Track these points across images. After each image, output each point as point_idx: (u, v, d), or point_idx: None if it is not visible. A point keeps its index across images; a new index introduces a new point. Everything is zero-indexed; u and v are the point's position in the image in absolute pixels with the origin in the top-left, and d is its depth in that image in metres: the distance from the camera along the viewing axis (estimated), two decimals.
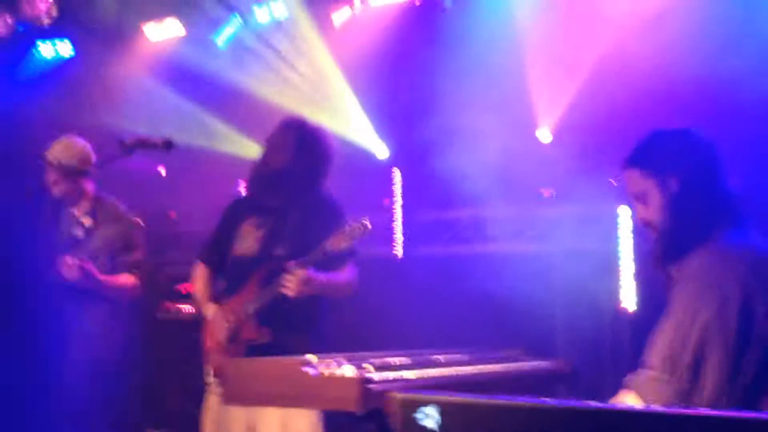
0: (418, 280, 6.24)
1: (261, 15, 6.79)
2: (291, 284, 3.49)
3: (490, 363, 3.11)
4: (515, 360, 3.31)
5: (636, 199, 2.52)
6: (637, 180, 2.50)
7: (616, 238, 5.53)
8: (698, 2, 5.12)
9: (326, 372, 2.44)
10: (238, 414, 3.48)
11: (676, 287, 2.32)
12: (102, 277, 4.34)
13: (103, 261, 4.42)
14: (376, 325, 6.07)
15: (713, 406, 2.13)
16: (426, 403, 1.60)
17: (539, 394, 2.34)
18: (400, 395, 1.63)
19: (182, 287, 6.85)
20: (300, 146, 3.79)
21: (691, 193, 2.39)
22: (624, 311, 5.52)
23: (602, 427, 1.53)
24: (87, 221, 4.54)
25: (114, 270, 4.45)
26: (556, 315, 5.83)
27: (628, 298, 5.49)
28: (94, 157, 4.54)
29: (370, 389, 2.36)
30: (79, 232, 4.53)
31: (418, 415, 1.59)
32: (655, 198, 2.45)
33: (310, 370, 2.46)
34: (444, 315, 5.96)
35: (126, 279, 4.51)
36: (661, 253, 2.45)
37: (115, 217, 4.57)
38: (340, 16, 6.49)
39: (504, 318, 5.74)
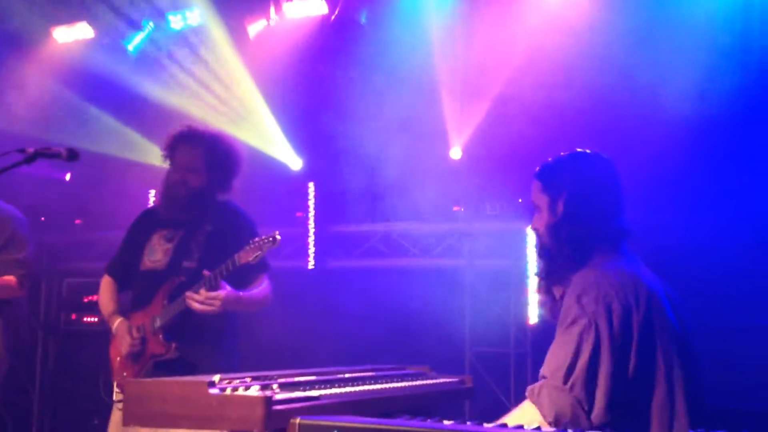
0: (331, 294, 6.26)
1: (175, 22, 6.69)
2: (199, 302, 3.45)
3: (395, 381, 3.14)
4: (421, 377, 3.35)
5: (533, 208, 2.62)
6: (537, 192, 2.60)
7: (525, 255, 5.68)
8: (604, 24, 5.31)
9: (230, 392, 2.42)
10: None
11: (563, 303, 2.42)
12: None
13: None
14: (289, 338, 6.05)
15: (606, 413, 2.23)
16: (325, 429, 1.62)
17: (445, 411, 2.40)
18: (299, 421, 1.64)
19: (88, 299, 6.67)
20: (209, 163, 3.75)
21: (573, 219, 2.49)
22: (529, 326, 5.67)
23: None
24: None
25: None
26: (465, 329, 5.94)
27: (534, 314, 5.65)
28: None
29: (274, 410, 2.35)
30: None
31: None
32: (545, 214, 2.55)
33: (214, 391, 2.44)
34: (356, 328, 5.99)
35: (6, 279, 4.32)
36: (542, 273, 2.56)
37: None
38: (255, 27, 6.45)
39: (414, 331, 5.82)
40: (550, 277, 2.58)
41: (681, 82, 4.82)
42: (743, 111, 4.85)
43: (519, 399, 2.57)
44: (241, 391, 2.43)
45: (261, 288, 3.73)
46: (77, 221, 7.29)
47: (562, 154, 2.65)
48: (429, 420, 1.80)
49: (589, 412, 2.24)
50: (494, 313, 5.83)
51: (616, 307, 2.31)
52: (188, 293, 3.49)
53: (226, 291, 3.47)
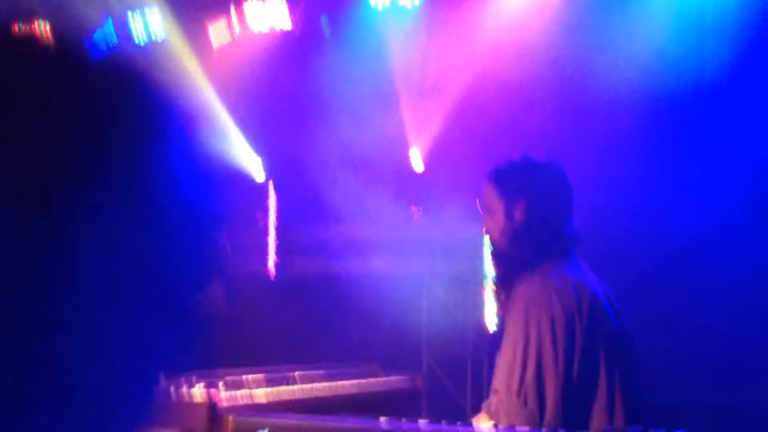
0: (290, 296, 6.25)
1: (134, 21, 6.64)
2: None
3: (344, 379, 3.17)
4: (371, 375, 3.38)
5: (485, 211, 2.63)
6: (490, 195, 2.61)
7: (482, 259, 5.73)
8: (565, 28, 5.38)
9: (173, 394, 2.43)
10: None
11: (508, 313, 2.46)
12: None
13: None
14: (246, 340, 6.03)
15: (555, 422, 2.28)
16: (258, 427, 1.64)
17: (400, 411, 2.43)
18: (232, 418, 1.66)
19: None
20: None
21: (530, 226, 2.54)
22: (486, 331, 5.72)
23: None
24: None
25: None
26: (422, 332, 5.97)
27: (491, 318, 5.69)
28: None
29: (216, 411, 2.37)
30: None
31: None
32: (500, 218, 2.58)
33: (158, 390, 2.45)
34: (313, 331, 5.99)
35: None
36: (496, 278, 2.60)
37: None
38: (218, 38, 6.43)
39: (372, 334, 5.84)
40: (503, 282, 2.62)
41: (638, 68, 4.89)
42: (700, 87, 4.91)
43: (475, 400, 2.61)
44: (184, 393, 2.44)
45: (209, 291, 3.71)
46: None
47: (514, 158, 2.67)
48: (365, 418, 1.83)
49: (542, 422, 2.30)
50: (451, 318, 5.87)
51: (559, 317, 2.36)
52: None
53: None
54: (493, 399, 2.40)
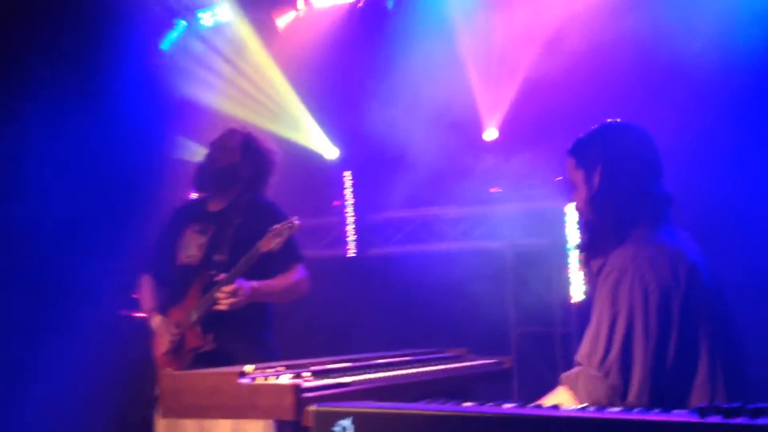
0: (372, 281, 6.28)
1: (205, 19, 6.75)
2: (222, 298, 3.49)
3: (431, 365, 3.13)
4: (458, 360, 3.34)
5: (571, 185, 2.57)
6: (572, 169, 2.55)
7: (564, 233, 5.62)
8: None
9: (260, 381, 2.45)
10: (189, 425, 3.46)
11: (599, 283, 2.37)
12: None
13: None
14: (331, 326, 6.09)
15: (641, 399, 2.19)
16: (340, 415, 1.62)
17: (490, 393, 2.38)
18: (314, 408, 1.64)
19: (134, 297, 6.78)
20: (245, 148, 3.83)
21: (610, 190, 2.43)
22: (573, 304, 5.61)
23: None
24: None
25: None
26: (508, 310, 5.90)
27: (577, 292, 5.58)
28: None
29: (303, 397, 2.37)
30: None
31: (335, 429, 1.61)
32: (583, 189, 2.50)
33: (244, 380, 2.47)
34: (398, 314, 6.00)
35: None
36: (583, 247, 2.51)
37: None
38: (284, 19, 6.47)
39: (457, 316, 5.80)
40: (590, 250, 2.53)
41: (707, 38, 4.70)
42: None
43: None
44: (271, 380, 2.45)
45: (290, 275, 3.72)
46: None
47: (592, 127, 2.60)
48: (450, 403, 1.78)
49: (624, 398, 2.21)
50: (537, 293, 5.78)
51: (653, 290, 2.25)
52: (213, 293, 3.53)
53: (245, 284, 3.49)
54: (573, 371, 2.32)
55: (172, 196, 5.30)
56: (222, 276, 3.54)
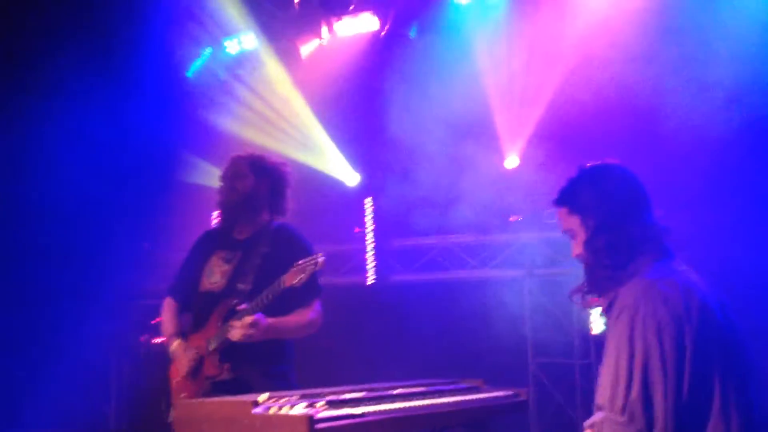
0: (392, 308, 6.27)
1: (230, 47, 6.84)
2: (236, 329, 3.50)
3: (446, 396, 3.11)
4: (473, 392, 3.32)
5: (569, 235, 2.57)
6: (565, 217, 2.55)
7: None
8: (651, 22, 5.20)
9: (273, 411, 2.45)
10: None
11: (610, 321, 2.35)
12: None
13: None
14: (350, 353, 6.08)
15: None
16: None
17: (506, 425, 2.37)
18: None
19: (156, 321, 6.83)
20: (256, 169, 3.84)
21: (606, 229, 2.44)
22: (593, 336, 5.57)
23: None
24: None
25: None
26: (527, 341, 5.86)
27: (597, 323, 5.54)
28: None
29: (317, 428, 2.37)
30: None
31: None
32: (581, 234, 2.50)
33: (258, 410, 2.47)
34: (417, 342, 5.98)
35: None
36: (588, 289, 2.49)
37: None
38: (307, 48, 6.54)
39: (475, 344, 5.78)
40: (596, 291, 2.53)
41: (729, 80, 4.68)
42: None
43: (585, 411, 2.52)
44: (285, 410, 2.46)
45: (306, 312, 3.73)
46: (145, 244, 7.49)
47: (577, 173, 2.62)
48: None
49: None
50: (556, 323, 5.75)
51: (667, 325, 2.23)
52: (230, 322, 3.55)
53: (262, 320, 3.51)
54: (597, 416, 2.30)
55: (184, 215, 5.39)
56: (243, 306, 3.56)
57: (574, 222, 2.52)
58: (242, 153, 3.98)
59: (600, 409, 2.28)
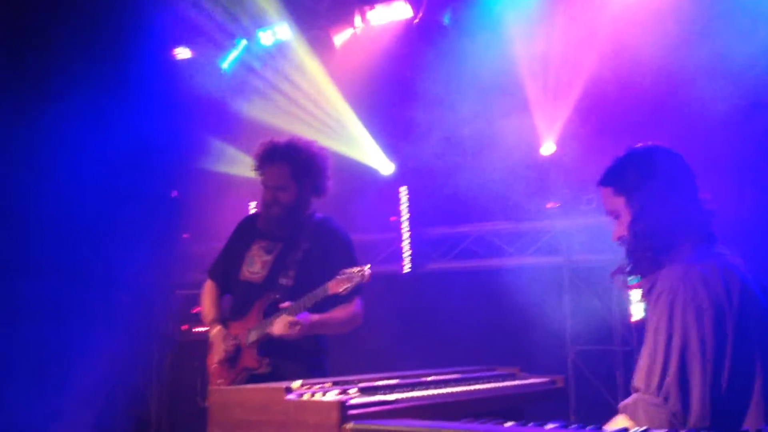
0: (427, 297, 6.26)
1: (265, 38, 6.87)
2: (277, 326, 3.52)
3: (480, 383, 3.10)
4: (509, 379, 3.30)
5: (612, 216, 2.54)
6: (609, 198, 2.53)
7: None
8: (686, 9, 5.11)
9: (306, 398, 2.46)
10: None
11: (650, 305, 2.33)
12: None
13: None
14: (386, 342, 6.08)
15: (702, 422, 2.13)
16: None
17: (544, 413, 2.35)
18: (351, 425, 1.65)
19: (196, 310, 6.91)
20: (298, 176, 3.75)
21: (651, 211, 2.41)
22: (633, 323, 5.49)
23: None
24: None
25: None
26: (566, 328, 5.81)
27: (637, 310, 5.46)
28: None
29: (349, 414, 2.37)
30: None
31: None
32: (626, 215, 2.47)
33: (290, 396, 2.49)
34: (453, 331, 5.97)
35: None
36: (630, 270, 2.47)
37: None
38: (341, 37, 6.54)
39: (513, 332, 5.74)
40: (638, 273, 2.50)
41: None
42: None
43: (626, 398, 2.50)
44: (317, 397, 2.47)
45: (348, 309, 3.72)
46: (185, 235, 7.58)
47: (623, 153, 2.59)
48: (492, 422, 1.77)
49: (685, 423, 2.16)
50: (596, 311, 5.68)
51: (707, 309, 2.20)
52: (272, 319, 3.57)
53: (304, 319, 3.52)
54: (631, 398, 2.27)
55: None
56: (287, 304, 3.57)
57: (619, 203, 2.51)
58: (280, 156, 3.79)
59: (636, 391, 2.26)
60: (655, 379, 2.20)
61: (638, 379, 2.26)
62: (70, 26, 5.39)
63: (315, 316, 3.57)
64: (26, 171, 5.18)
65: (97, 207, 5.48)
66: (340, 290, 3.47)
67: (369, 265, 3.53)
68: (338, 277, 3.48)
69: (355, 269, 3.48)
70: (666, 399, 2.17)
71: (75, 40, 5.36)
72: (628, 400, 2.28)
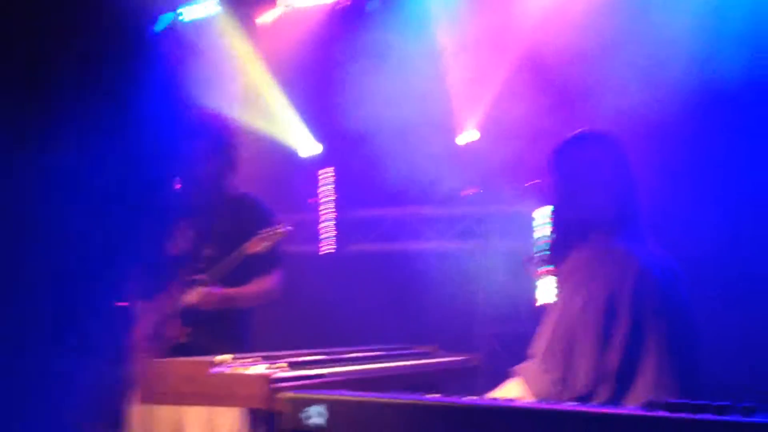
0: (346, 278, 6.35)
1: (188, 13, 6.78)
2: (193, 297, 3.61)
3: (402, 360, 3.23)
4: (427, 356, 3.44)
5: (546, 191, 2.66)
6: (542, 185, 2.66)
7: (532, 237, 5.73)
8: (612, 4, 5.29)
9: (232, 371, 2.53)
10: (165, 411, 3.53)
11: (557, 285, 2.50)
12: None
13: None
14: (304, 322, 6.16)
15: (587, 391, 2.29)
16: (313, 402, 1.71)
17: (456, 389, 2.47)
18: (288, 395, 1.73)
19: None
20: (209, 152, 3.85)
21: (577, 201, 2.53)
22: (539, 307, 5.73)
23: (482, 422, 1.65)
24: None
25: None
26: (479, 310, 6.01)
27: (543, 295, 5.70)
28: None
29: (276, 387, 2.45)
30: None
31: (306, 414, 1.70)
32: (554, 194, 2.60)
33: (220, 369, 2.55)
34: (370, 312, 6.08)
35: None
36: (545, 259, 2.62)
37: None
38: (266, 16, 6.53)
39: (430, 313, 5.90)
40: (557, 252, 2.62)
41: (692, 49, 4.75)
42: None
43: None
44: (244, 370, 2.54)
45: (264, 282, 3.82)
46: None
47: (561, 141, 2.68)
48: (417, 394, 1.88)
49: (570, 390, 2.31)
50: (506, 295, 5.89)
51: (601, 291, 2.34)
52: (189, 289, 3.64)
53: (216, 291, 3.60)
54: (527, 362, 2.43)
55: None
56: (202, 276, 3.64)
57: (549, 190, 2.61)
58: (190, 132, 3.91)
59: (529, 355, 2.42)
60: (542, 347, 2.36)
61: (533, 346, 2.44)
62: (69, 28, 5.24)
63: (230, 289, 3.66)
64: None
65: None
66: (259, 249, 3.56)
67: (286, 223, 3.62)
68: (255, 237, 3.58)
69: (273, 228, 3.57)
70: (549, 364, 2.33)
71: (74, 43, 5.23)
72: (519, 366, 2.45)
